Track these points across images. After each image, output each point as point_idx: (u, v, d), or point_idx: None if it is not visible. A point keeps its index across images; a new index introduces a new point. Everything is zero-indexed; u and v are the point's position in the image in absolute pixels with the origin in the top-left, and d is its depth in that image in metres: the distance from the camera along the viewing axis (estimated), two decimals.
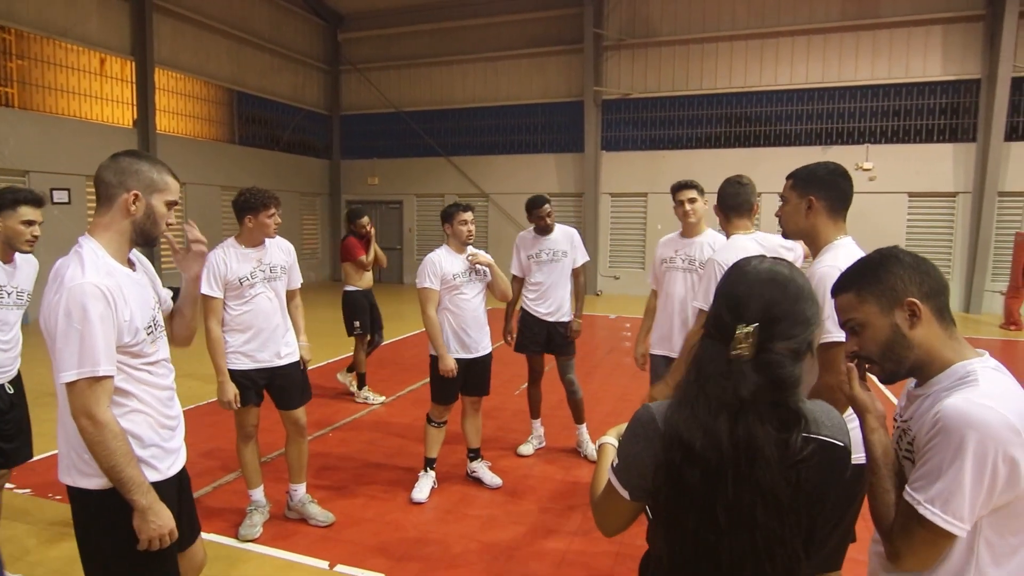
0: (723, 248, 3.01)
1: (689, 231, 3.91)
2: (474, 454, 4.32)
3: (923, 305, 1.30)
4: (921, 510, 1.20)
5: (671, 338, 3.79)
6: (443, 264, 3.92)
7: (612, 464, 1.30)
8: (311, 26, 17.15)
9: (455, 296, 3.94)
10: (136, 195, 1.85)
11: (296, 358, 3.60)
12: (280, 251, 3.59)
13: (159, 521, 1.80)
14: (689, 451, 1.15)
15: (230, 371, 3.36)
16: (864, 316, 1.34)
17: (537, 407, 4.90)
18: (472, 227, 3.96)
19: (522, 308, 4.78)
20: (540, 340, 4.70)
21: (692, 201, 3.84)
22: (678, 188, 3.91)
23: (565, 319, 4.70)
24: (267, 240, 3.52)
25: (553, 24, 15.49)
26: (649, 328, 4.11)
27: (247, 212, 3.42)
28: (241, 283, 3.40)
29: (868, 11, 13.22)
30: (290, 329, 3.62)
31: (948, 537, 1.19)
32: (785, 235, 2.30)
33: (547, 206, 4.61)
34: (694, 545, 1.17)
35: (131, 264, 1.92)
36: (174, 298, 2.14)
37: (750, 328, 1.15)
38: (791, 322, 1.17)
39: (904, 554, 1.25)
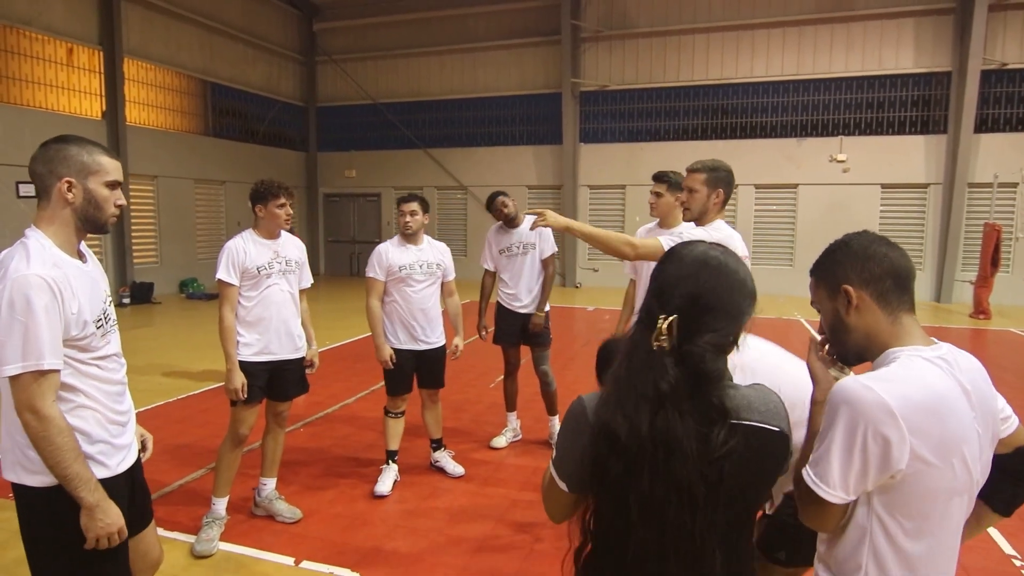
0: (722, 239, 2.98)
1: (665, 222, 3.88)
2: (436, 444, 4.34)
3: (859, 291, 1.32)
4: (804, 471, 1.28)
5: None
6: (390, 255, 3.97)
7: (552, 456, 1.30)
8: (285, 16, 16.89)
9: (402, 287, 3.99)
10: (69, 182, 1.80)
11: (304, 353, 3.63)
12: (295, 247, 3.63)
13: (107, 519, 1.76)
14: (615, 442, 1.12)
15: (243, 362, 3.36)
16: (818, 299, 1.43)
17: (513, 400, 4.91)
18: (410, 218, 3.95)
19: (498, 301, 4.82)
20: (515, 332, 4.73)
21: (658, 195, 3.80)
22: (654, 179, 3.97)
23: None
24: (283, 234, 3.58)
25: (531, 15, 15.44)
26: (628, 318, 4.10)
27: (257, 201, 3.46)
28: (259, 271, 3.41)
29: (842, 4, 13.34)
30: (300, 324, 3.64)
31: (822, 501, 1.24)
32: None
33: (500, 198, 4.71)
34: (609, 535, 1.16)
35: (81, 256, 1.87)
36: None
37: (671, 319, 1.11)
38: (719, 314, 1.14)
39: (801, 511, 1.33)
